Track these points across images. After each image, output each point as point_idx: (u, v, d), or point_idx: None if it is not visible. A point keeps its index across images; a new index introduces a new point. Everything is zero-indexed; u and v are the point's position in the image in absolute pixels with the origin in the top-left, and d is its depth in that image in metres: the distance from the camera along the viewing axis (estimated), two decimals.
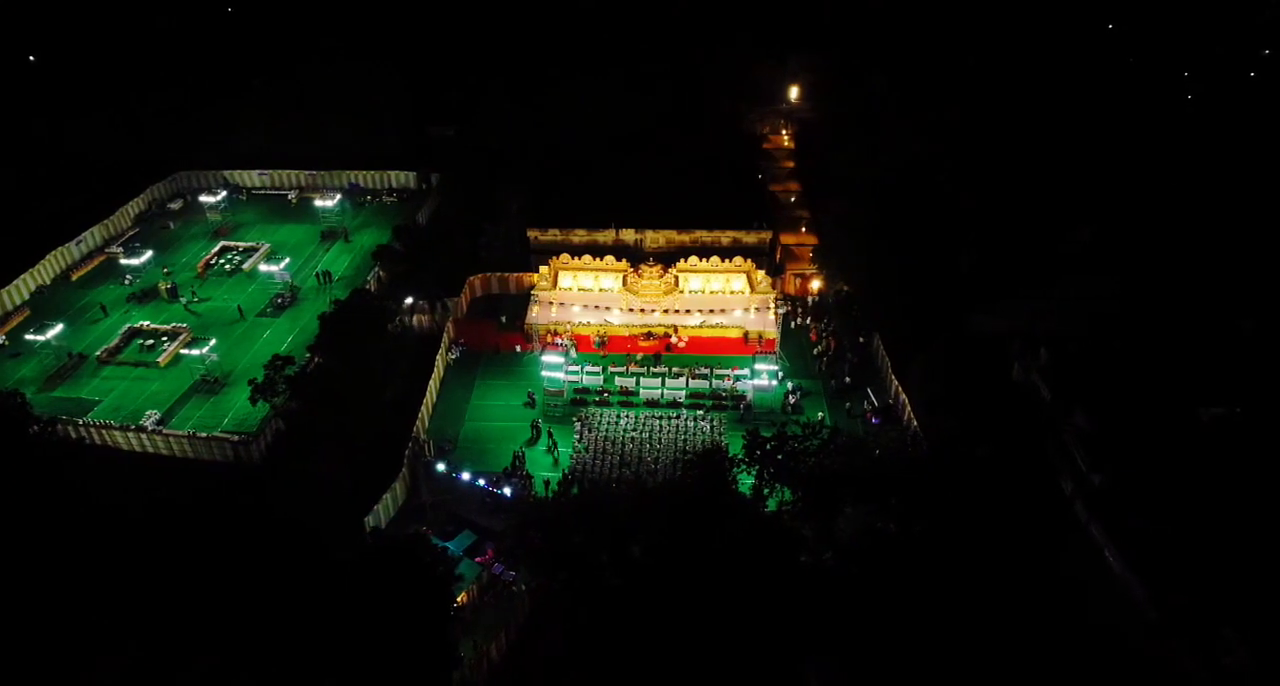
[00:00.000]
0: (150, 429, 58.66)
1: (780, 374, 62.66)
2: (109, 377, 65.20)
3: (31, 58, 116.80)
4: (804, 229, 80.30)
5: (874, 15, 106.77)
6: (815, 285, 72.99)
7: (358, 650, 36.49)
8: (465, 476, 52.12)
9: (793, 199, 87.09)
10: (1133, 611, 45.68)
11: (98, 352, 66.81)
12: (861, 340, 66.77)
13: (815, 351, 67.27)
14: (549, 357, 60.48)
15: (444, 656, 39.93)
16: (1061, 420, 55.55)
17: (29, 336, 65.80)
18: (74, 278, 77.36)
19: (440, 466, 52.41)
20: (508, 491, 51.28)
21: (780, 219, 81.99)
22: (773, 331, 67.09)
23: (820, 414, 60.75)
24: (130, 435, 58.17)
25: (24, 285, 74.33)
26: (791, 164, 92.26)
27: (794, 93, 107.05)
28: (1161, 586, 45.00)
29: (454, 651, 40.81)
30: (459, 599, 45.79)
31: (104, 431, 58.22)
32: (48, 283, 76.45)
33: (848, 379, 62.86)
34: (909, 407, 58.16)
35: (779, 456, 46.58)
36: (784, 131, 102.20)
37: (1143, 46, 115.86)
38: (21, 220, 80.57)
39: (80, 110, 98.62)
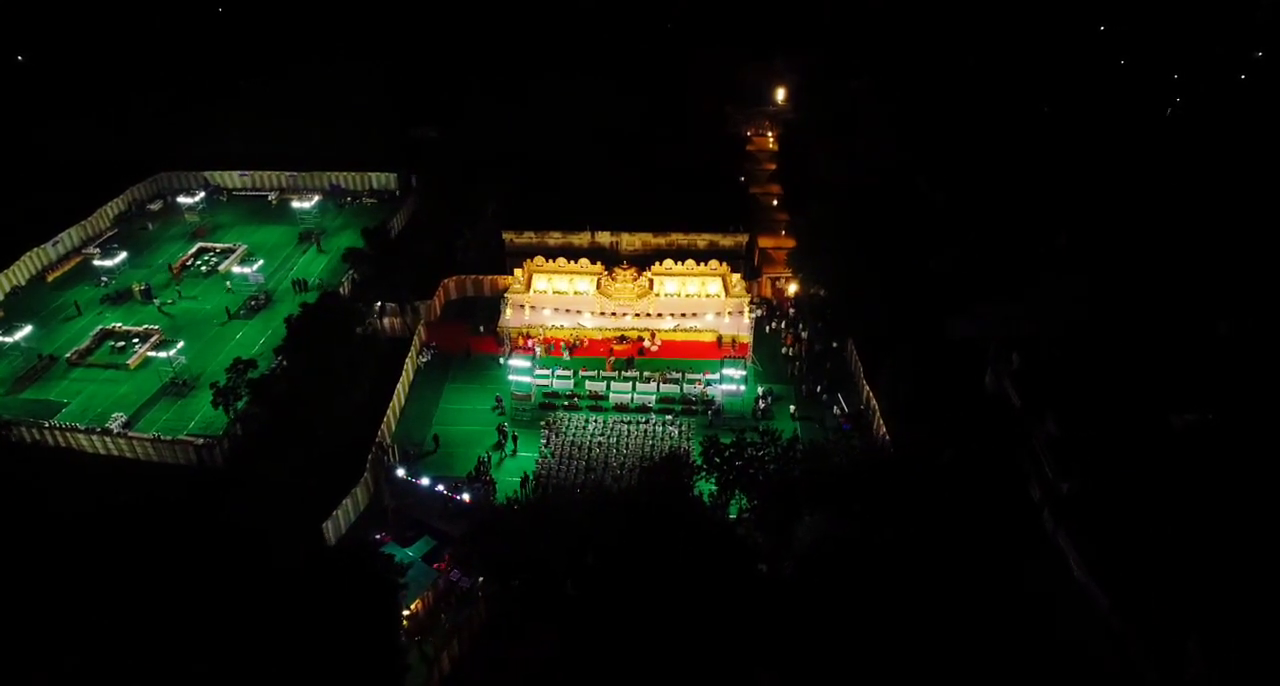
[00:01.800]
0: (116, 432, 58.36)
1: (747, 378, 62.10)
2: (78, 379, 64.90)
3: (20, 57, 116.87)
4: (783, 232, 79.77)
5: (862, 16, 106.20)
6: (792, 289, 72.49)
7: (301, 659, 36.02)
8: (425, 481, 51.66)
9: (774, 201, 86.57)
10: (1096, 621, 45.07)
11: (68, 354, 66.54)
12: (835, 345, 66.24)
13: (786, 351, 66.71)
14: (516, 361, 60.00)
15: (391, 663, 39.50)
16: (1031, 426, 54.94)
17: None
18: (49, 279, 77.20)
19: (400, 471, 51.95)
20: (467, 497, 50.81)
21: (760, 222, 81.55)
22: (746, 335, 66.59)
23: (792, 407, 60.51)
24: (95, 438, 57.85)
25: None
26: (774, 166, 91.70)
27: (780, 94, 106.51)
28: (1125, 596, 44.39)
29: (402, 658, 40.38)
30: (414, 605, 45.44)
31: (68, 434, 57.92)
32: (23, 283, 76.27)
33: (819, 387, 62.23)
34: (878, 413, 57.62)
35: (737, 463, 46.00)
36: (769, 133, 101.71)
37: (1135, 48, 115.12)
38: None
39: (64, 110, 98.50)
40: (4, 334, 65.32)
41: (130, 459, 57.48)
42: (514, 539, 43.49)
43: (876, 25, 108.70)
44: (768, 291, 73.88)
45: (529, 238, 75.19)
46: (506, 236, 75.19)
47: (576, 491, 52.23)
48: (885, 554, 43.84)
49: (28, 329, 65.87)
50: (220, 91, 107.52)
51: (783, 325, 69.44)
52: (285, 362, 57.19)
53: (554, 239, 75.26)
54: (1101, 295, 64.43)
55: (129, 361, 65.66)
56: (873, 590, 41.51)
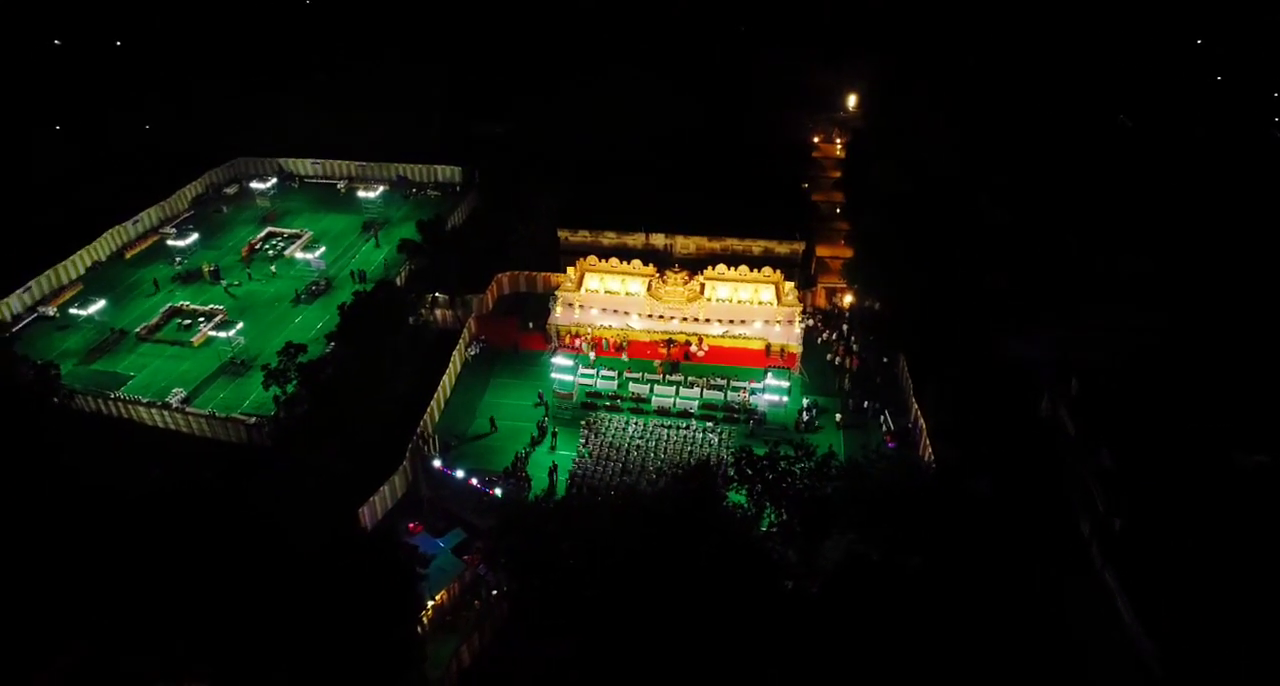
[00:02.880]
0: (175, 406, 60.60)
1: (791, 389, 61.12)
2: (146, 354, 67.73)
3: (119, 43, 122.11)
4: (843, 242, 78.14)
5: (930, 19, 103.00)
6: (847, 300, 70.99)
7: (314, 642, 36.69)
8: (459, 474, 52.16)
9: (837, 210, 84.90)
10: (1137, 666, 42.89)
11: (137, 329, 69.36)
12: (886, 360, 64.61)
13: (834, 359, 65.44)
14: (559, 360, 60.12)
15: (405, 653, 39.92)
16: (1086, 457, 52.58)
17: (73, 310, 68.92)
18: (127, 256, 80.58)
19: (436, 462, 52.53)
20: (499, 492, 51.13)
21: (820, 230, 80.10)
22: (796, 345, 65.50)
23: (838, 415, 59.79)
24: (154, 411, 60.15)
25: (80, 261, 77.69)
26: (838, 174, 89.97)
27: (852, 100, 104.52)
28: (1172, 643, 42.10)
29: (416, 649, 40.77)
30: (438, 597, 45.95)
31: (130, 406, 60.36)
32: (103, 259, 79.76)
33: (866, 402, 60.77)
34: (925, 433, 55.96)
35: (769, 476, 45.15)
36: (837, 140, 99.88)
37: (1233, 64, 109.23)
38: (82, 199, 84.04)
39: (147, 94, 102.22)
40: (79, 307, 68.51)
41: (185, 433, 59.69)
42: (537, 538, 43.56)
43: (942, 29, 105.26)
44: (822, 301, 72.51)
45: (583, 236, 75.28)
46: (561, 234, 75.45)
47: (610, 493, 52.16)
48: (913, 580, 42.62)
49: (101, 303, 69.03)
50: (295, 81, 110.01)
51: (834, 337, 68.01)
52: (334, 348, 58.38)
53: (608, 239, 75.20)
54: (1175, 324, 61.24)
55: (193, 339, 68.13)
56: (897, 617, 40.35)
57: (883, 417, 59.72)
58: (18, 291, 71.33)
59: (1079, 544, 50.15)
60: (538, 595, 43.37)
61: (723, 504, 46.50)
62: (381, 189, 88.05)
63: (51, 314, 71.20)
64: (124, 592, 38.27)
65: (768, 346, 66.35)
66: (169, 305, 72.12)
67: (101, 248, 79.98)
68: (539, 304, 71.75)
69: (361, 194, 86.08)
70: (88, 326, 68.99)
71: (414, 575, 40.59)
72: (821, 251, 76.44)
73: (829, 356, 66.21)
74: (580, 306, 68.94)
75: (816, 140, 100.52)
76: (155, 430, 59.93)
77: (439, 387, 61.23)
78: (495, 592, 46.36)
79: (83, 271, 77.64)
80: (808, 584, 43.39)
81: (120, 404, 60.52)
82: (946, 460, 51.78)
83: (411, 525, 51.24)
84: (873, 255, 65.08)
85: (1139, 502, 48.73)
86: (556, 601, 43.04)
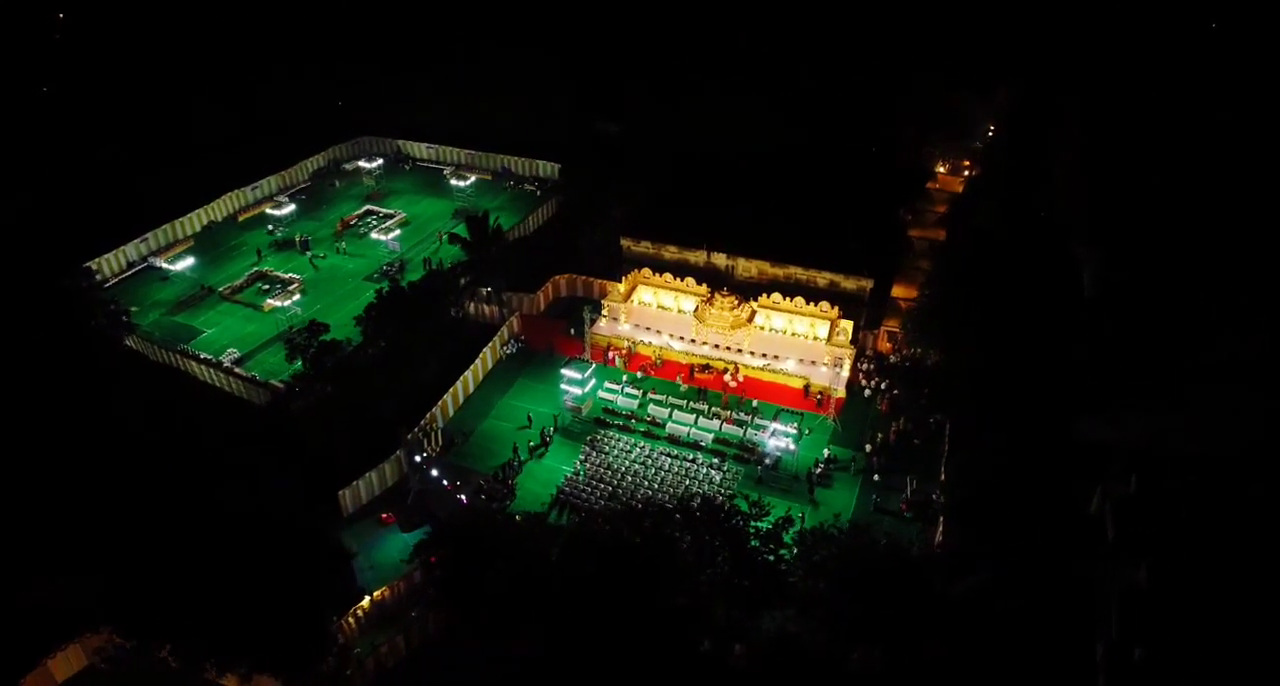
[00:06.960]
0: (226, 366, 64.38)
1: (800, 437, 56.92)
2: (224, 312, 72.52)
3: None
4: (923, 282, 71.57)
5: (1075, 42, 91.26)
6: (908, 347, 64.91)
7: (214, 610, 37.53)
8: (434, 472, 51.95)
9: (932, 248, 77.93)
10: None
11: (222, 288, 74.31)
12: (933, 421, 58.43)
13: (864, 392, 60.57)
14: (569, 371, 58.67)
15: (316, 641, 40.05)
16: (1119, 569, 45.04)
17: (163, 264, 74.74)
18: (240, 219, 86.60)
19: (417, 457, 52.58)
20: (463, 498, 50.49)
21: (905, 269, 73.80)
22: (838, 390, 60.71)
23: (868, 447, 56.04)
24: (206, 368, 64.15)
25: (197, 219, 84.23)
26: (944, 209, 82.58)
27: (993, 130, 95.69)
28: None
29: (328, 640, 40.81)
30: (377, 593, 45.96)
31: (187, 359, 64.72)
32: (219, 220, 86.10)
33: (881, 463, 55.42)
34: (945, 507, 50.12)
35: (720, 528, 41.68)
36: (965, 172, 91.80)
37: None
38: (217, 163, 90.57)
39: (290, 71, 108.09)
40: (168, 262, 74.32)
41: (226, 392, 63.22)
42: (472, 553, 42.45)
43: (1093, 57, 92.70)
44: (885, 345, 66.74)
45: (645, 247, 73.46)
46: (624, 243, 73.91)
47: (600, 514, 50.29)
48: (859, 677, 38.15)
49: (191, 260, 74.64)
50: (435, 66, 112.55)
51: (881, 386, 62.38)
52: (362, 331, 59.75)
53: (670, 252, 72.96)
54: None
55: (264, 304, 72.13)
56: None
57: (907, 483, 54.18)
58: (135, 241, 78.30)
59: (1088, 671, 43.06)
60: (461, 611, 42.47)
61: (680, 548, 43.51)
62: (474, 178, 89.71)
63: (160, 265, 77.65)
64: (82, 531, 40.57)
65: (806, 386, 61.94)
66: (255, 268, 76.77)
67: (218, 209, 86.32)
68: (591, 310, 70.43)
69: (454, 181, 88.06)
70: (180, 280, 74.67)
71: (337, 568, 40.60)
72: (897, 291, 70.36)
73: (863, 391, 61.17)
74: (624, 319, 67.18)
75: (940, 170, 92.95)
76: (201, 385, 63.92)
77: (459, 381, 61.49)
78: (429, 598, 45.68)
79: (198, 229, 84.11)
80: (727, 651, 39.77)
81: (179, 356, 64.99)
82: (949, 544, 46.06)
83: (384, 516, 51.67)
84: (936, 299, 59.08)
85: (1167, 633, 41.14)
86: (478, 620, 41.99)
